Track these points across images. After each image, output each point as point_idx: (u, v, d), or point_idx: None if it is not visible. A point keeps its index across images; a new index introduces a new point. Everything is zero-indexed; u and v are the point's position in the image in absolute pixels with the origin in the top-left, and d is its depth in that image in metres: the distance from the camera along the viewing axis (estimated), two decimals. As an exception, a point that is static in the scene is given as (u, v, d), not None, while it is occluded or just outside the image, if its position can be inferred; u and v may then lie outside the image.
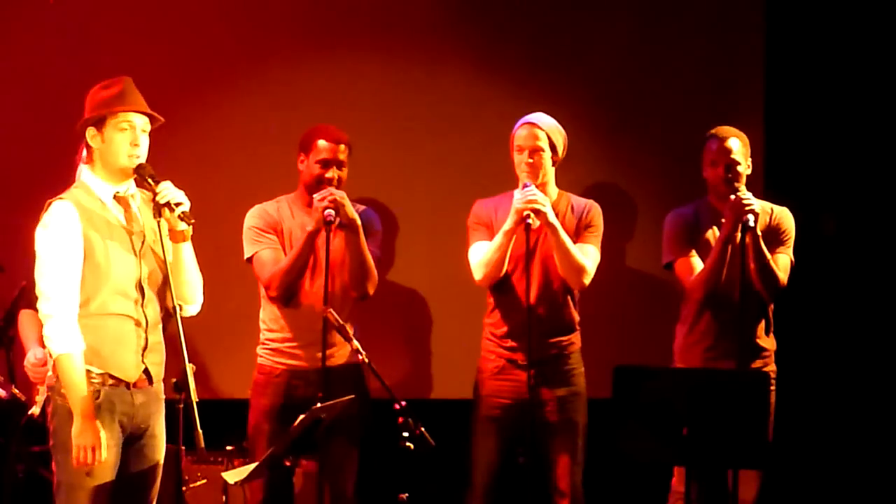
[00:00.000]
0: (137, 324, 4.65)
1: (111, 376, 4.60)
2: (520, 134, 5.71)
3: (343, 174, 5.80)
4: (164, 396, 4.76)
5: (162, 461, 4.74)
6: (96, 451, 4.50)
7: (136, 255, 4.67)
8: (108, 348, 4.60)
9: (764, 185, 6.30)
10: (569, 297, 5.76)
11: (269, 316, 5.82)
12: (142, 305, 4.66)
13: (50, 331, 4.54)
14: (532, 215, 5.54)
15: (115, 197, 4.69)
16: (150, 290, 4.69)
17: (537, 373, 5.62)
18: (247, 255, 5.81)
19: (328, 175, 5.76)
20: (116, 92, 4.65)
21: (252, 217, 5.84)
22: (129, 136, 4.65)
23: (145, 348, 4.67)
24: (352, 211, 5.66)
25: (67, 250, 4.56)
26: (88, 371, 4.57)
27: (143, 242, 4.70)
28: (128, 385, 4.63)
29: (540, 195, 5.58)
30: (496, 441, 5.71)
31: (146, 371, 4.67)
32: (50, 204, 4.62)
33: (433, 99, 6.68)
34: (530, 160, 5.67)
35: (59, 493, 4.59)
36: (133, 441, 4.66)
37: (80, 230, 4.58)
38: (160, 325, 4.74)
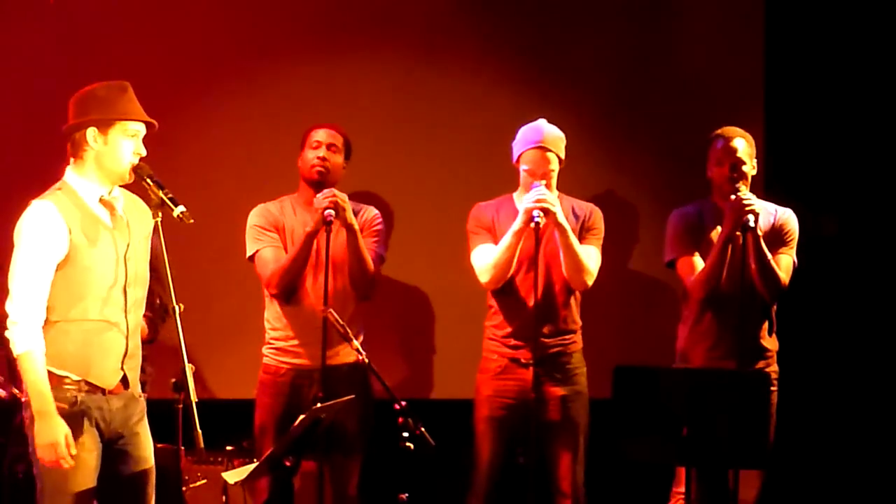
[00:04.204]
0: (120, 330, 4.62)
1: (87, 383, 4.58)
2: (529, 157, 5.70)
3: (335, 160, 5.82)
4: (140, 395, 4.73)
5: (152, 461, 4.72)
6: (58, 447, 4.45)
7: (122, 259, 4.63)
8: (89, 356, 4.57)
9: (764, 186, 6.29)
10: (571, 298, 5.77)
11: (272, 315, 5.84)
12: (125, 311, 4.63)
13: (13, 335, 4.50)
14: (541, 214, 5.54)
15: (100, 200, 4.65)
16: (133, 294, 4.65)
17: (540, 372, 5.63)
18: (248, 253, 5.83)
19: (319, 154, 5.77)
20: (125, 97, 4.62)
21: (254, 216, 5.86)
22: (135, 143, 4.62)
23: (125, 355, 4.64)
24: (351, 216, 5.67)
25: (43, 254, 4.51)
26: (65, 377, 4.55)
27: (128, 246, 4.66)
28: (104, 391, 4.61)
29: (549, 195, 5.60)
30: (498, 441, 5.72)
31: (123, 378, 4.65)
32: (31, 205, 4.57)
33: (435, 99, 6.68)
34: (543, 182, 5.66)
35: (42, 499, 4.57)
36: (115, 443, 4.63)
37: (62, 233, 4.53)
38: (139, 330, 4.73)
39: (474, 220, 5.81)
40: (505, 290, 5.74)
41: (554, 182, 5.74)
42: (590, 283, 5.71)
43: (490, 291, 5.79)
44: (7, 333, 4.54)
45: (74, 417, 4.54)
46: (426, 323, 6.70)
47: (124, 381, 4.65)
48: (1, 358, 5.83)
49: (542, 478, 5.69)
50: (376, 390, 5.60)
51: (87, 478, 4.56)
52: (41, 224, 4.53)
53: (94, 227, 4.60)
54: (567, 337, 5.76)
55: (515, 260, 5.67)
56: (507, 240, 5.65)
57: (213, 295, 6.42)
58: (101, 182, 4.64)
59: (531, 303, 5.62)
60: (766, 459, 5.22)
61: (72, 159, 4.66)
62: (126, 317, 4.63)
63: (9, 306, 4.53)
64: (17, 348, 4.51)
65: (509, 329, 5.74)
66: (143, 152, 4.63)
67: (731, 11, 6.80)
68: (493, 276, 5.69)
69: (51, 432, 4.47)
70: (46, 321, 4.55)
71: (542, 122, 5.76)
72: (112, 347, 4.61)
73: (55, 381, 4.54)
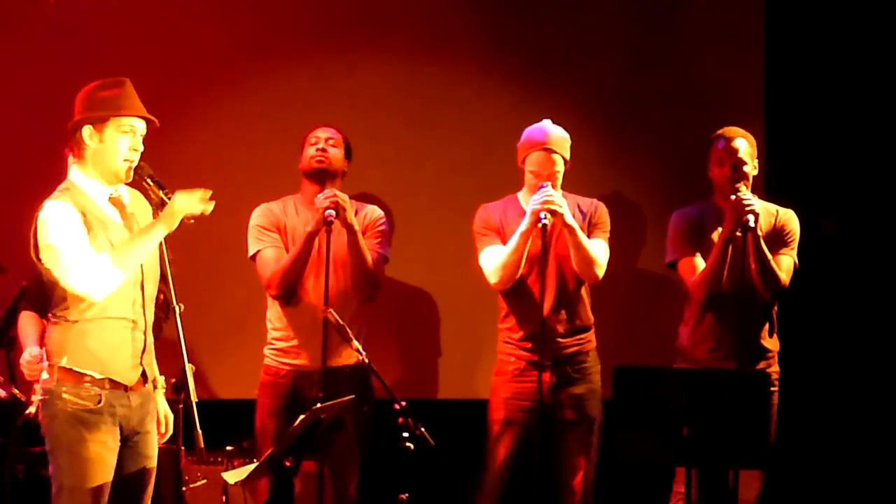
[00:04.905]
0: (136, 326, 4.64)
1: (111, 380, 4.59)
2: (535, 159, 5.70)
3: (334, 153, 5.84)
4: (154, 394, 4.76)
5: (156, 459, 4.74)
6: (195, 199, 4.52)
7: None
8: (108, 353, 4.58)
9: (764, 187, 6.29)
10: (583, 296, 5.79)
11: (274, 315, 5.85)
12: (142, 306, 4.66)
13: (98, 290, 4.50)
14: (548, 216, 5.55)
15: (110, 199, 4.67)
16: (148, 290, 4.68)
17: (557, 372, 5.65)
18: (250, 253, 5.84)
19: (319, 146, 5.81)
20: (119, 93, 4.62)
21: (256, 215, 5.87)
22: (130, 139, 4.62)
23: (144, 350, 4.66)
24: (351, 216, 5.68)
25: (77, 231, 4.51)
26: (88, 375, 4.56)
27: None
28: (125, 388, 4.63)
29: (556, 196, 5.61)
30: (514, 443, 5.72)
31: (143, 373, 4.67)
32: (44, 205, 4.56)
33: (437, 99, 6.68)
34: (548, 182, 5.66)
35: (59, 498, 4.56)
36: (130, 440, 4.65)
37: (83, 229, 4.55)
38: (151, 325, 4.74)
39: (481, 222, 5.81)
40: (517, 292, 5.74)
41: (559, 183, 5.74)
42: (600, 275, 5.72)
43: (501, 294, 5.79)
44: (89, 294, 4.51)
45: (99, 416, 4.55)
46: (428, 323, 6.69)
47: (143, 377, 4.67)
48: (1, 358, 5.85)
49: (551, 474, 5.69)
50: (377, 390, 5.60)
51: (106, 474, 4.57)
52: (64, 215, 4.53)
53: (107, 226, 4.61)
54: (583, 336, 5.77)
55: (525, 261, 5.67)
56: (514, 241, 5.65)
57: (214, 295, 6.42)
58: (104, 180, 4.65)
59: (543, 304, 5.62)
60: (767, 459, 5.22)
61: (76, 158, 4.68)
62: (143, 312, 4.66)
63: (71, 280, 4.50)
64: (113, 283, 4.52)
65: (523, 332, 5.73)
66: (140, 148, 4.63)
67: (732, 12, 6.79)
68: (503, 276, 5.69)
69: (179, 216, 4.52)
70: (66, 321, 4.57)
71: (546, 124, 5.76)
72: (129, 344, 4.63)
73: (77, 379, 4.56)
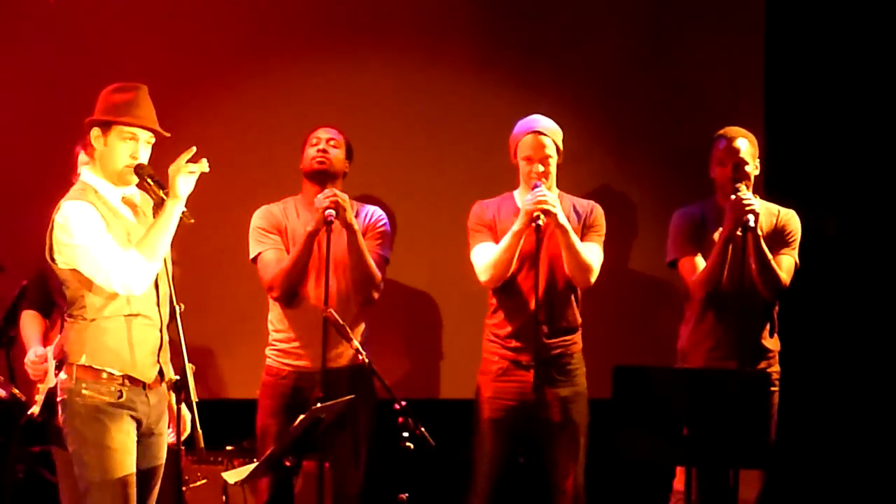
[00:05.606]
0: (153, 324, 4.66)
1: (129, 377, 4.60)
2: (526, 143, 5.70)
3: (336, 153, 5.84)
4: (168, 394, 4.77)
5: (164, 458, 4.75)
6: (188, 171, 4.54)
7: None
8: (128, 350, 4.60)
9: (765, 187, 6.29)
10: (572, 298, 5.77)
11: (275, 316, 5.85)
12: (157, 304, 4.68)
13: (138, 286, 4.54)
14: (542, 216, 5.55)
15: (122, 199, 4.69)
16: (163, 287, 4.70)
17: (541, 373, 5.63)
18: (251, 255, 5.84)
19: (319, 147, 5.80)
20: (128, 100, 4.64)
21: (257, 217, 5.87)
22: (131, 147, 4.64)
23: (160, 348, 4.68)
24: (351, 216, 5.68)
25: (103, 230, 4.54)
26: (107, 373, 4.57)
27: None
28: (144, 385, 4.64)
29: (550, 196, 5.59)
30: (499, 442, 5.71)
31: (160, 371, 4.68)
32: (61, 206, 4.58)
33: (435, 100, 6.68)
34: (542, 169, 5.66)
35: (89, 494, 4.55)
36: (143, 439, 4.66)
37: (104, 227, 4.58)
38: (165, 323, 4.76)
39: (475, 218, 5.81)
40: (506, 290, 5.74)
41: (553, 179, 5.72)
42: (592, 280, 5.71)
43: (491, 290, 5.79)
44: (131, 290, 4.55)
45: (120, 409, 4.57)
46: (429, 323, 6.69)
47: (160, 375, 4.68)
48: (1, 358, 5.85)
49: (543, 477, 5.69)
50: (377, 390, 5.60)
51: (132, 464, 4.58)
52: (87, 216, 4.55)
53: (123, 225, 4.64)
54: (569, 337, 5.75)
55: (516, 259, 5.67)
56: (506, 240, 5.64)
57: (215, 294, 6.43)
58: (111, 182, 4.67)
59: (533, 302, 5.62)
60: (767, 459, 5.22)
61: (88, 158, 4.72)
62: (159, 309, 4.67)
63: (112, 279, 4.52)
64: (150, 275, 4.58)
65: (510, 329, 5.73)
66: (139, 156, 4.64)
67: (732, 12, 6.79)
68: (493, 275, 5.69)
69: (183, 185, 4.55)
70: (83, 319, 4.59)
71: (536, 115, 5.77)
72: (148, 341, 4.65)
73: (96, 375, 4.57)
